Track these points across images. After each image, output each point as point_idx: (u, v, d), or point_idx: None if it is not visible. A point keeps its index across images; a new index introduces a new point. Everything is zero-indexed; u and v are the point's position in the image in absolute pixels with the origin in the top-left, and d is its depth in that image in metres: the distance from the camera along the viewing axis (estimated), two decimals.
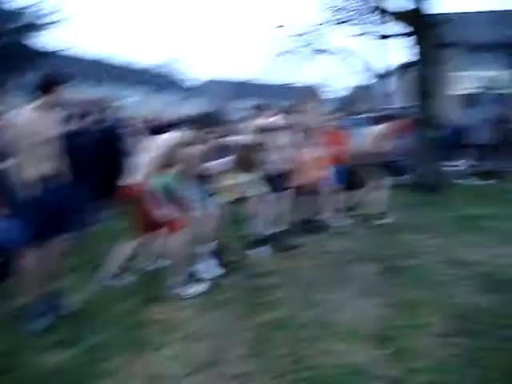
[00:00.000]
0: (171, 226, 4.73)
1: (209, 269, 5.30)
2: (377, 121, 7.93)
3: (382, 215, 7.61)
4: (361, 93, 38.76)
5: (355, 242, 6.60)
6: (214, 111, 7.08)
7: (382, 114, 8.33)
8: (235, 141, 6.15)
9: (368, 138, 7.69)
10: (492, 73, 28.44)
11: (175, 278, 4.82)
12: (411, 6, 10.63)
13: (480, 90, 21.66)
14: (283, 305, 4.53)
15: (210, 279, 5.14)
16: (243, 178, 6.25)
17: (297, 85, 51.79)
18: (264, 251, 6.11)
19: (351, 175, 7.69)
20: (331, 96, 59.08)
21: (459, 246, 6.18)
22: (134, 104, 37.59)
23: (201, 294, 4.82)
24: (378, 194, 7.72)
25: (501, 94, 23.15)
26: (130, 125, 8.77)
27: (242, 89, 60.72)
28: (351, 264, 5.65)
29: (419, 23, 10.40)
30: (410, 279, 5.06)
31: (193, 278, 5.01)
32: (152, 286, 4.97)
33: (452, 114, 17.57)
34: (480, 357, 3.45)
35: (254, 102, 7.27)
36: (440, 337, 3.79)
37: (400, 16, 11.20)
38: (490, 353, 3.49)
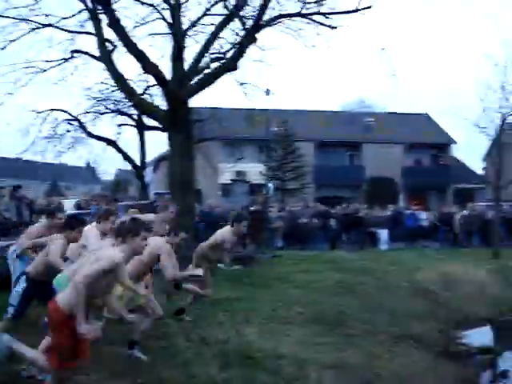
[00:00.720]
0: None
1: None
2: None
3: None
4: (124, 179, 39.42)
5: (109, 325, 6.72)
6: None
7: (142, 202, 8.77)
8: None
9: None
10: (245, 165, 31.49)
11: None
12: (164, 105, 11.53)
13: (234, 181, 23.89)
14: None
15: None
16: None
17: (68, 165, 50.36)
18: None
19: None
20: (101, 178, 58.44)
21: (207, 326, 6.78)
22: None
23: None
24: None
25: (255, 185, 25.68)
26: None
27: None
28: (104, 347, 5.76)
29: (171, 121, 11.23)
30: (160, 359, 5.41)
31: None
32: None
33: (208, 202, 19.00)
34: None
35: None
36: None
37: (152, 114, 12.07)
38: None
